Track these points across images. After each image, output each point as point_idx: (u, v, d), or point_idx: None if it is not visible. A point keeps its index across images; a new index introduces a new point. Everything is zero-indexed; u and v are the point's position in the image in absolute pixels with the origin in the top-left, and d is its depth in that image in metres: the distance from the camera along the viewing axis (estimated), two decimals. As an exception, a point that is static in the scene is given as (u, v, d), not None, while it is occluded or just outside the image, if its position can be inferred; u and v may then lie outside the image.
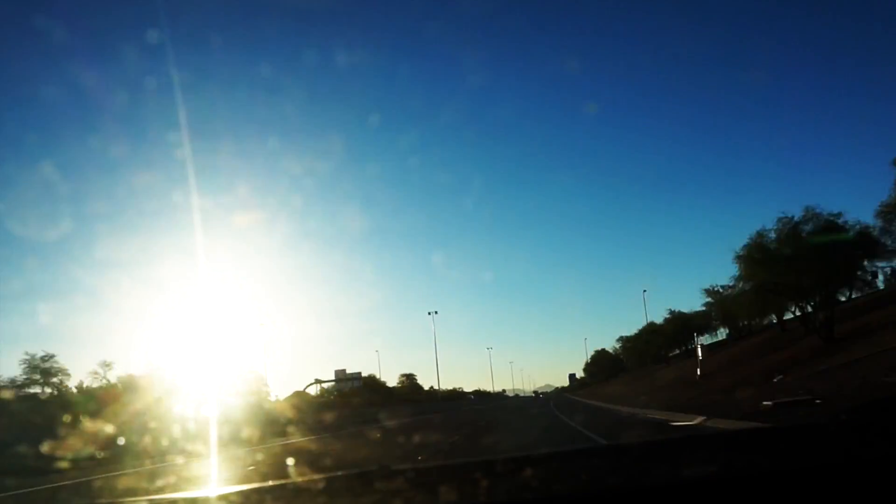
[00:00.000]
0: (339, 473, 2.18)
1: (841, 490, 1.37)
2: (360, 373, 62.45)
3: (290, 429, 34.61)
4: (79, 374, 47.59)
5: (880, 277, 35.66)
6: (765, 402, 14.81)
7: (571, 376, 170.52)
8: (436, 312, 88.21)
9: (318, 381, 64.12)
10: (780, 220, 30.83)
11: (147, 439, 24.30)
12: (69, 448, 21.73)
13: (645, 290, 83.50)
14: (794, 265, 28.38)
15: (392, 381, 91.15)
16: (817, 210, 30.02)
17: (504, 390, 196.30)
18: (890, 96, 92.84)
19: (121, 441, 23.65)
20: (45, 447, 21.05)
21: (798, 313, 34.29)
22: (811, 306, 31.68)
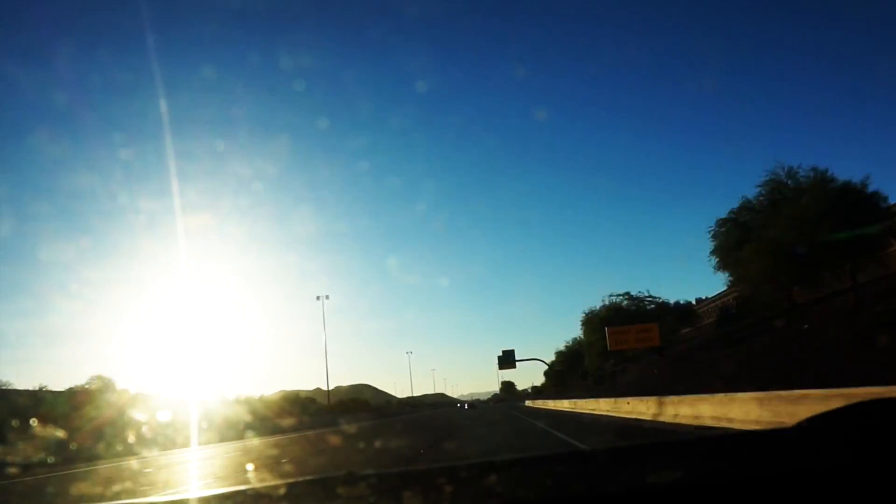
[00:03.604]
0: (301, 479, 2.12)
1: (803, 498, 1.37)
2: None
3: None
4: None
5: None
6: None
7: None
8: (326, 297, 73.26)
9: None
10: None
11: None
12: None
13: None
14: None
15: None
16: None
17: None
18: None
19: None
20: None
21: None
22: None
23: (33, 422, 29.18)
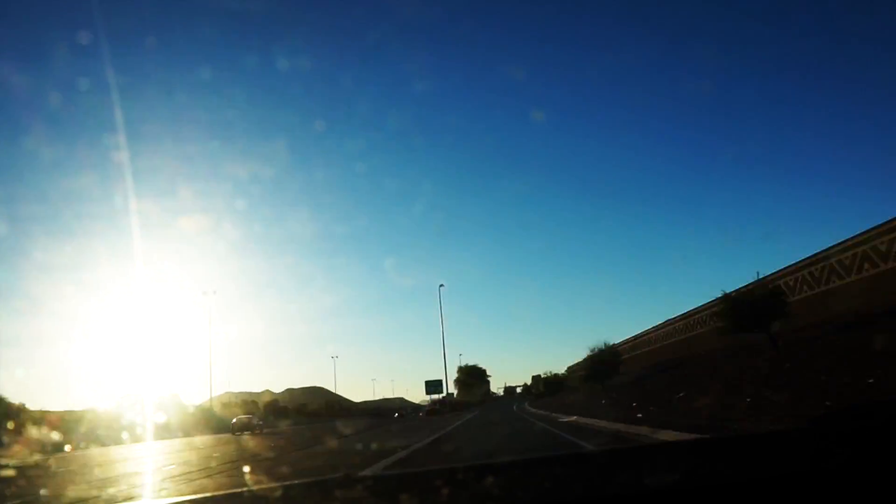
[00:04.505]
0: (298, 482, 2.12)
1: (803, 499, 1.36)
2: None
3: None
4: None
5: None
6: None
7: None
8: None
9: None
10: None
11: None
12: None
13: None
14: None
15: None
16: None
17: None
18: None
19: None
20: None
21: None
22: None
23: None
